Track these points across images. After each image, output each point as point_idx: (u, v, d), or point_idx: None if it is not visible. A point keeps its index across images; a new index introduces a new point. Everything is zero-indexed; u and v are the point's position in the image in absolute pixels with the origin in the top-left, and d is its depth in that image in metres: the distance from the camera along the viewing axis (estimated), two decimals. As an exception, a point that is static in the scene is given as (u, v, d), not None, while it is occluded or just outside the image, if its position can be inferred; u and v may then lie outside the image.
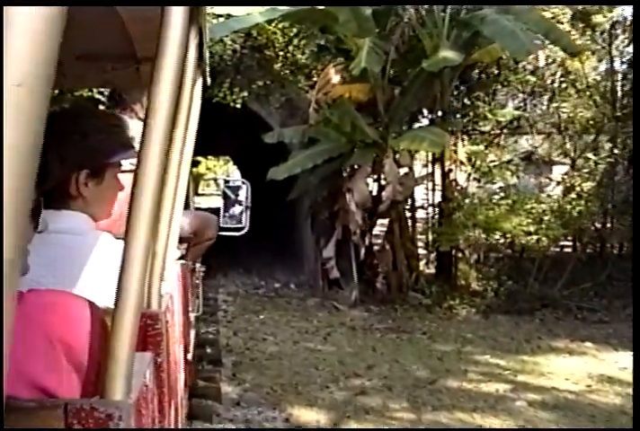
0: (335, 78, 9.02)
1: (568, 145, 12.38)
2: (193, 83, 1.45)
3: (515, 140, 13.59)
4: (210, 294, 9.71)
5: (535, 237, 9.73)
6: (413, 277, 10.08)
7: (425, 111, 11.26)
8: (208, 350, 6.50)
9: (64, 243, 1.52)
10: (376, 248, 10.59)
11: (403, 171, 9.60)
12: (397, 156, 9.23)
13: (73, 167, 1.61)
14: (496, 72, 11.95)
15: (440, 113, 10.22)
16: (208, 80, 2.05)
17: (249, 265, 12.17)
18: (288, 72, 10.15)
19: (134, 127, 1.83)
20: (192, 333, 3.52)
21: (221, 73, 9.50)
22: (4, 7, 0.44)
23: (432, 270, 11.13)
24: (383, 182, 9.62)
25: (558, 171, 13.58)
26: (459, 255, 10.53)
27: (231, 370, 6.08)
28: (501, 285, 10.22)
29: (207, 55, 1.79)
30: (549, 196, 10.19)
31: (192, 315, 3.41)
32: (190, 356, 3.10)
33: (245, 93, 9.67)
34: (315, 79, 11.18)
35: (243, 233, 3.72)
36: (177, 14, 0.94)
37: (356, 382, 6.08)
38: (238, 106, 9.58)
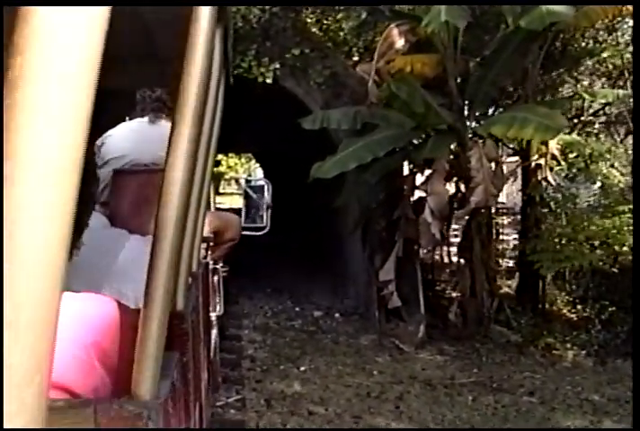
0: (400, 42, 6.68)
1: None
2: (218, 84, 1.43)
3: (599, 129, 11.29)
4: (232, 328, 7.44)
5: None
6: (494, 305, 7.76)
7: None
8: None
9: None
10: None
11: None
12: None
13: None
14: (582, 43, 9.68)
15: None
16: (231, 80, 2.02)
17: (279, 283, 9.86)
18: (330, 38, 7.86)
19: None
20: (214, 333, 3.32)
21: (245, 38, 7.21)
22: (42, 8, 0.42)
23: (504, 289, 8.90)
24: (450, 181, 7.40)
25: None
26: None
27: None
28: (601, 313, 7.98)
29: (231, 55, 1.76)
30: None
31: (213, 315, 3.28)
32: (212, 356, 3.05)
33: (277, 65, 7.35)
34: (355, 58, 9.17)
35: (264, 232, 3.70)
36: (205, 15, 0.92)
37: None
38: (268, 81, 7.24)
